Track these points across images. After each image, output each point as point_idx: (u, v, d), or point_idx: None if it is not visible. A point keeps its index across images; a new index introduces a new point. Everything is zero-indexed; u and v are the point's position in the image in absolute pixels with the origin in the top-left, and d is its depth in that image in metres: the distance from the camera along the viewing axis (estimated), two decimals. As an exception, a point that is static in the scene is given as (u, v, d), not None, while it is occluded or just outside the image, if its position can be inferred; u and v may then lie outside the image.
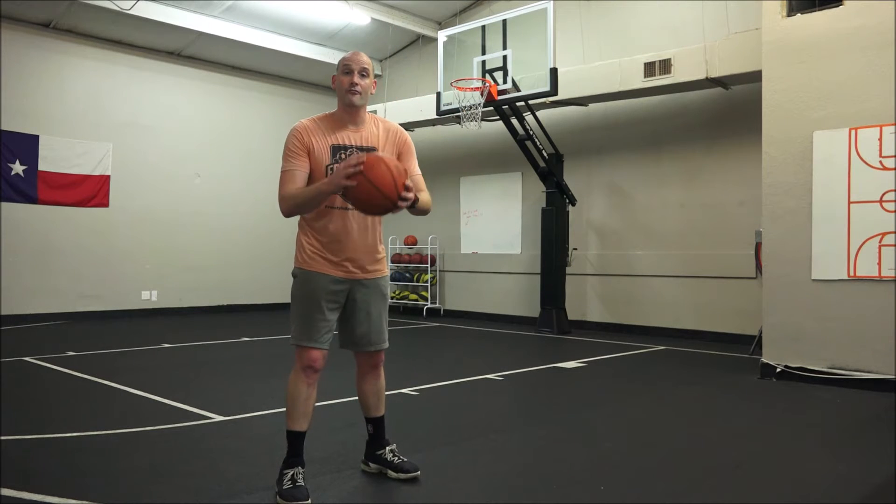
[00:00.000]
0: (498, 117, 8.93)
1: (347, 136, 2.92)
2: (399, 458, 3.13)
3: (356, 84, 2.88)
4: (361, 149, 2.90)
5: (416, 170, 3.06)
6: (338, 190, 2.67)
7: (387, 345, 3.11)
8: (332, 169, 2.83)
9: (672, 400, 5.04)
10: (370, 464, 3.19)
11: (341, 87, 2.92)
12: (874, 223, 5.29)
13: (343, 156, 2.86)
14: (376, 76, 3.40)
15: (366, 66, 2.92)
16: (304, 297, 2.93)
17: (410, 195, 2.67)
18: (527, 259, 10.33)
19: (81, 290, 10.03)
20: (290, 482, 2.82)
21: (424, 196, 2.93)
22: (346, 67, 2.92)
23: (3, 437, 3.65)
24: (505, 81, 8.39)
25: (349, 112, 2.94)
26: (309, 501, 2.75)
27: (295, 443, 2.91)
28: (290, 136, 2.90)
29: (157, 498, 2.85)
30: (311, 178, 2.87)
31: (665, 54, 8.06)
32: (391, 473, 3.10)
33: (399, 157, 2.99)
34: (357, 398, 3.23)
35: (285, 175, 2.86)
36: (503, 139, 9.75)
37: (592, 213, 9.66)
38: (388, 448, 3.16)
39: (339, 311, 2.98)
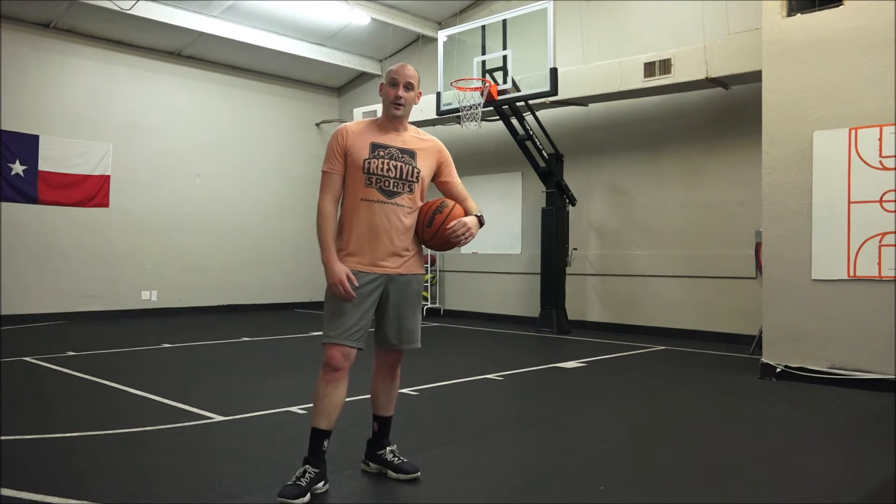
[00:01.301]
0: (498, 117, 8.93)
1: (389, 138, 3.07)
2: (399, 459, 3.15)
3: (400, 97, 3.03)
4: (402, 150, 3.05)
5: (456, 178, 3.22)
6: (328, 278, 2.92)
7: (419, 344, 3.16)
8: (369, 163, 2.97)
9: (672, 400, 5.04)
10: (370, 463, 3.21)
11: (387, 98, 3.08)
12: (874, 223, 5.29)
13: (382, 153, 3.01)
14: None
15: (411, 80, 3.07)
16: (333, 294, 2.95)
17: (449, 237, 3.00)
18: (527, 259, 10.33)
19: (81, 290, 10.03)
20: (294, 479, 2.85)
21: (470, 205, 3.15)
22: (392, 80, 3.06)
23: (3, 437, 3.65)
24: (505, 81, 8.39)
25: (392, 121, 3.09)
26: (296, 501, 2.75)
27: (313, 440, 2.94)
28: (332, 137, 3.08)
29: (157, 498, 2.85)
30: (349, 172, 3.02)
31: (665, 54, 8.06)
32: (391, 474, 3.11)
33: (440, 167, 3.17)
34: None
35: (325, 177, 3.05)
36: (503, 139, 9.75)
37: (592, 213, 9.66)
38: (388, 448, 3.18)
39: (372, 310, 3.00)
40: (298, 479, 2.85)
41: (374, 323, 3.08)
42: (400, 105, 3.03)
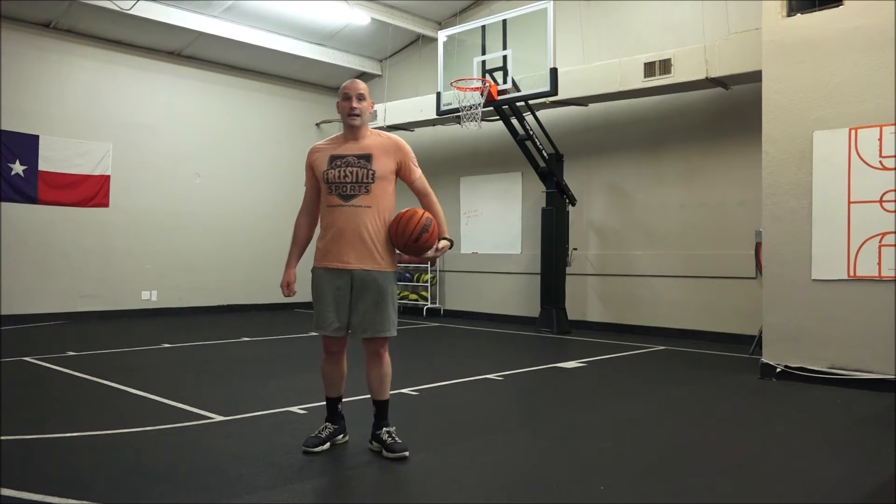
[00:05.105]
0: (498, 117, 8.93)
1: (348, 148, 3.47)
2: (392, 439, 3.44)
3: (355, 108, 3.43)
4: (358, 156, 3.42)
5: (416, 173, 3.56)
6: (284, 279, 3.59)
7: (387, 333, 3.44)
8: (327, 174, 3.42)
9: (672, 400, 5.04)
10: (373, 442, 3.54)
11: (343, 112, 3.47)
12: (874, 223, 5.29)
13: (339, 163, 3.43)
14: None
15: (362, 92, 3.47)
16: (315, 290, 3.48)
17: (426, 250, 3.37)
18: (527, 259, 10.33)
19: (81, 290, 10.02)
20: (316, 432, 3.54)
21: (436, 209, 3.49)
22: (345, 95, 3.47)
23: (3, 437, 3.66)
24: (505, 81, 8.39)
25: (352, 131, 3.50)
26: (316, 449, 3.44)
27: (328, 405, 3.61)
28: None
29: (157, 498, 2.85)
30: (320, 183, 3.49)
31: (665, 54, 8.06)
32: (385, 453, 3.40)
33: (400, 164, 3.49)
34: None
35: (305, 192, 3.61)
36: (503, 139, 9.75)
37: (592, 213, 9.66)
38: (385, 429, 3.49)
39: (346, 303, 3.41)
40: (319, 432, 3.52)
41: (350, 316, 3.45)
42: (356, 115, 3.43)
